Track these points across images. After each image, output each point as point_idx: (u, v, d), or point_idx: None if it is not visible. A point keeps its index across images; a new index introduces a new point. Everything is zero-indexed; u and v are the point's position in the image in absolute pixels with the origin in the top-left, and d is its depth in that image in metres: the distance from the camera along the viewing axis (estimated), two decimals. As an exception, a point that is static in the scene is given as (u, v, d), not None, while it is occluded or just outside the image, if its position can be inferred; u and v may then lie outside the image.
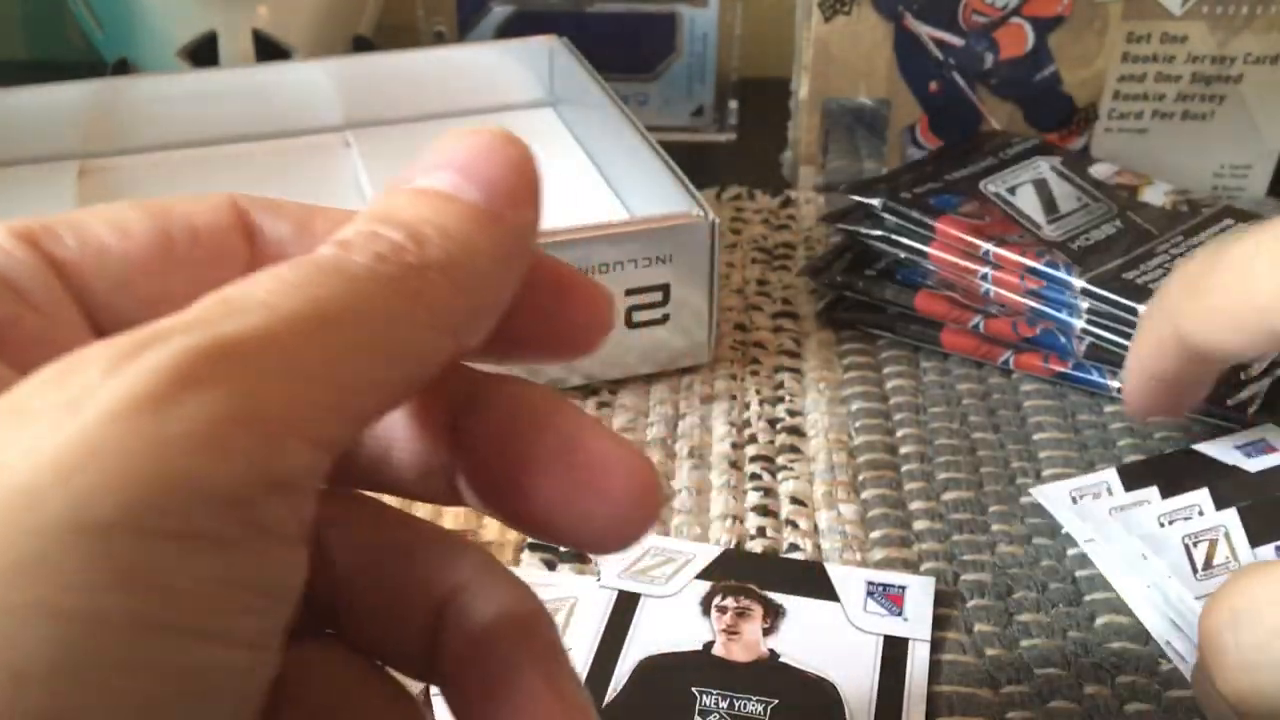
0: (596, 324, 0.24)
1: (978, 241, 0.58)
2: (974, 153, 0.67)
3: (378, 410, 0.18)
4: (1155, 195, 0.63)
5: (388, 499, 0.25)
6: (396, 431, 0.23)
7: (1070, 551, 0.48)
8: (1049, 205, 0.62)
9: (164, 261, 0.21)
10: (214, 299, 0.17)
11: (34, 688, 0.13)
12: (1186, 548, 0.45)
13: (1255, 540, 0.45)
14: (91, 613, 0.14)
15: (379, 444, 0.24)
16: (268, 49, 0.78)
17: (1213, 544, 0.45)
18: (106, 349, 0.15)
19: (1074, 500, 0.50)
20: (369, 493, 0.25)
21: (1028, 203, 0.62)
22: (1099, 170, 0.66)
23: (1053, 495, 0.51)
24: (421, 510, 0.51)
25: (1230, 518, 0.46)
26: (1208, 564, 0.44)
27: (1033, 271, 0.56)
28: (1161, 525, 0.46)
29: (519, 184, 0.21)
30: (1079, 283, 0.55)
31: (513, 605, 0.23)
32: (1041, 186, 0.63)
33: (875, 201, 0.61)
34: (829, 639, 0.44)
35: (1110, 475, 0.51)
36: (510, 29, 0.81)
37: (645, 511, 0.22)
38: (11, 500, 0.14)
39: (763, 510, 0.51)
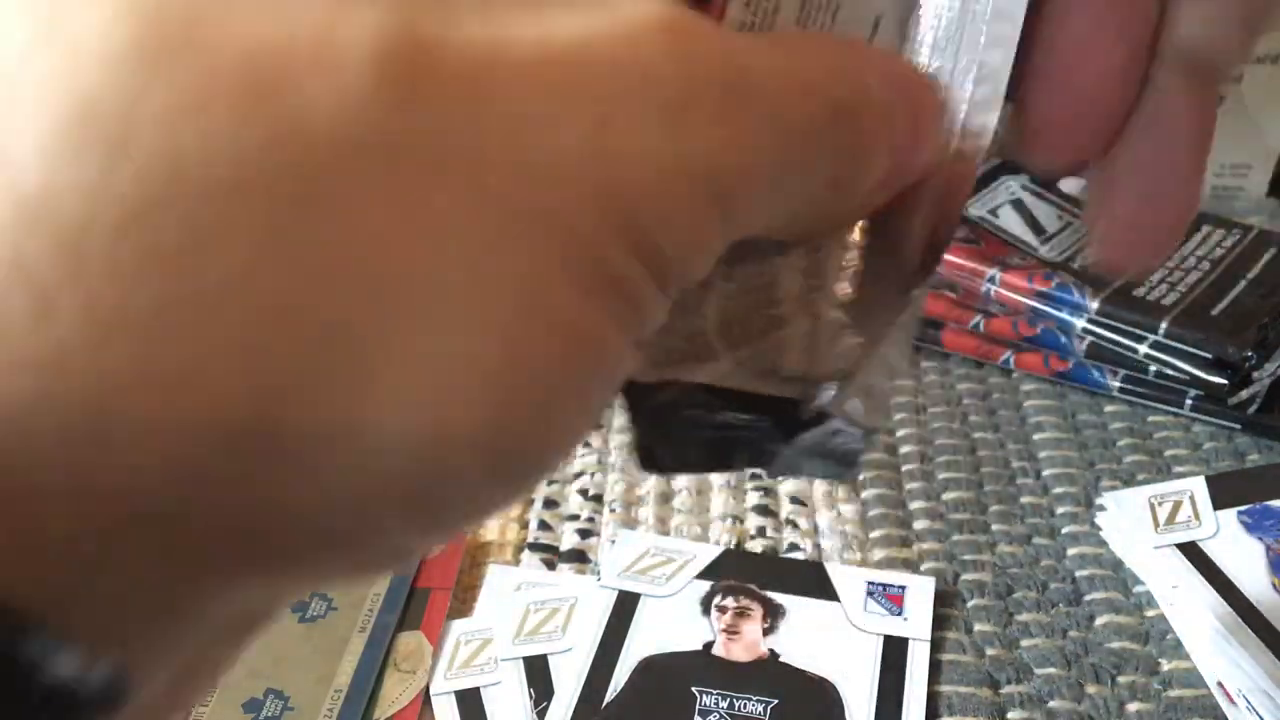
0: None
1: (981, 267, 0.58)
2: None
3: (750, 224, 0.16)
4: None
5: None
6: None
7: (1070, 551, 0.48)
8: (1034, 226, 0.62)
9: None
10: None
11: None
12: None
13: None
14: None
15: None
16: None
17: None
18: None
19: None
20: None
21: (1013, 224, 0.62)
22: (1069, 185, 0.66)
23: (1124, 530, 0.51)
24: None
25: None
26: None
27: (1044, 295, 0.56)
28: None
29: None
30: (1093, 304, 0.55)
31: None
32: (1020, 207, 0.63)
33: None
34: (829, 639, 0.44)
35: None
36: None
37: None
38: None
39: (763, 510, 0.51)
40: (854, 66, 0.17)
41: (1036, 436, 0.55)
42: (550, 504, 0.51)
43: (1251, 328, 0.54)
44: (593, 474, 0.53)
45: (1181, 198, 0.21)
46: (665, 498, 0.52)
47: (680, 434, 0.22)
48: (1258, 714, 0.40)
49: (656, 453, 0.22)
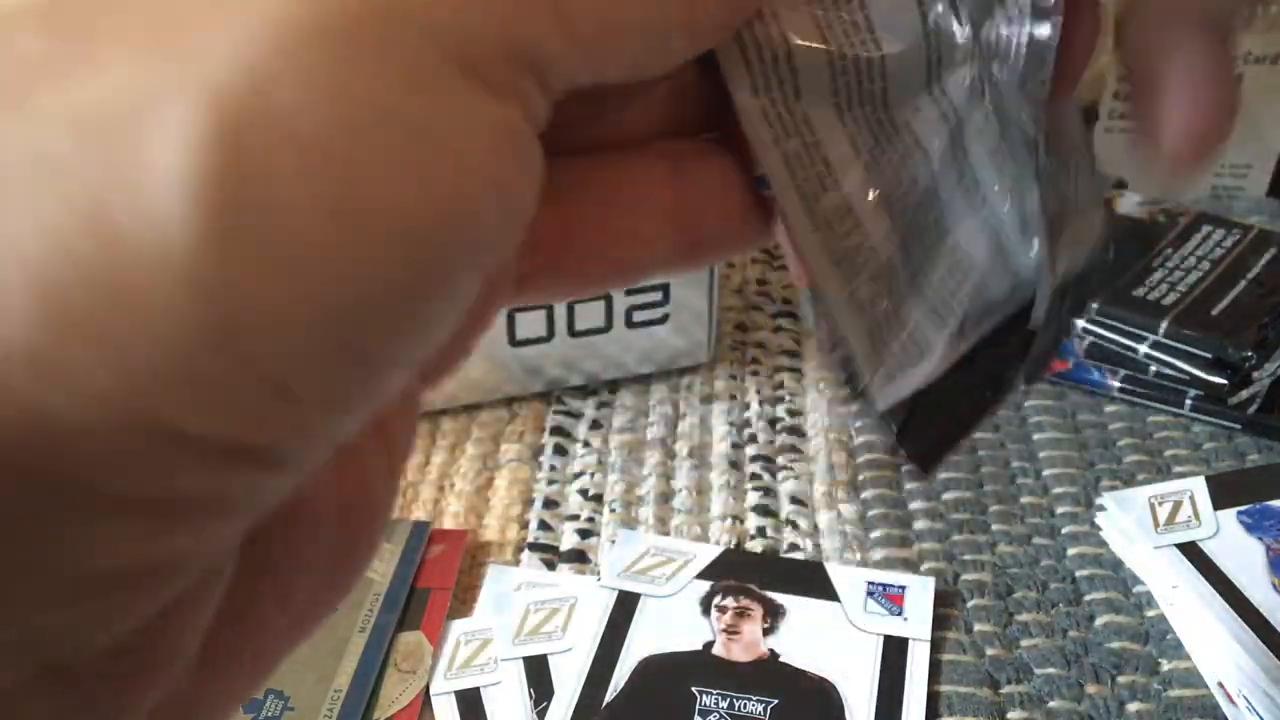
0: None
1: None
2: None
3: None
4: (1130, 207, 0.64)
5: None
6: None
7: (1070, 551, 0.48)
8: None
9: None
10: None
11: None
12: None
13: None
14: None
15: None
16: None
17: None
18: None
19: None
20: None
21: None
22: None
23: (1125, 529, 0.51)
24: (422, 511, 0.51)
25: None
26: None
27: None
28: None
29: None
30: (1093, 304, 0.55)
31: None
32: None
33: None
34: (829, 639, 0.44)
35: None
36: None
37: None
38: None
39: (763, 510, 0.51)
40: None
41: (1036, 436, 0.55)
42: (550, 504, 0.51)
43: (1251, 328, 0.54)
44: (593, 474, 0.53)
45: (1225, 96, 0.20)
46: (665, 498, 0.52)
47: (939, 425, 0.22)
48: (1258, 714, 0.40)
49: (927, 454, 0.23)
